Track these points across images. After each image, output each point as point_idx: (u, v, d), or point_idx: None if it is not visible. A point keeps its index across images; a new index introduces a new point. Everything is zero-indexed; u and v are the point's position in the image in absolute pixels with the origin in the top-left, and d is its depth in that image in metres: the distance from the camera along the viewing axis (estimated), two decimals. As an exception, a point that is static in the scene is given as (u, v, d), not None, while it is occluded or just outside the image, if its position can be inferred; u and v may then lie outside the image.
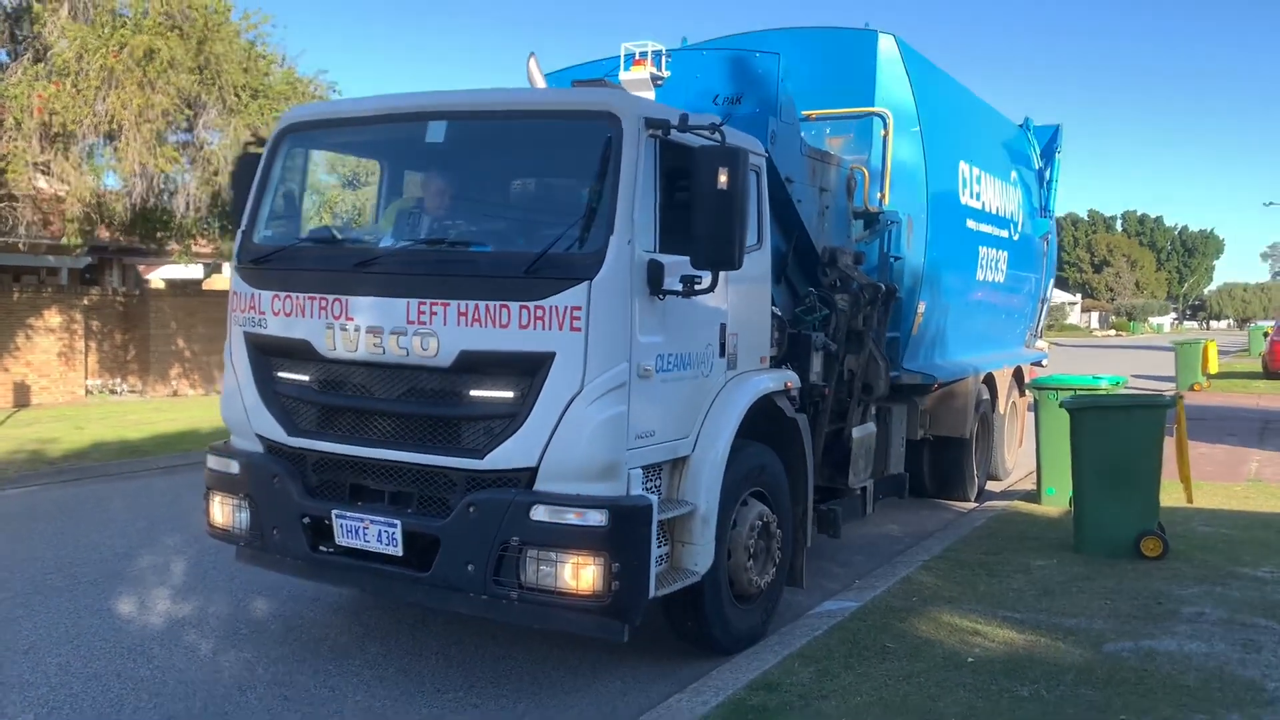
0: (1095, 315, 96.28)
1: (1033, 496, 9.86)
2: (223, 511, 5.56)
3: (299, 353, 5.22)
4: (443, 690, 5.06)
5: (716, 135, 4.80)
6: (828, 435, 7.08)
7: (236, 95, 11.55)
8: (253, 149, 5.94)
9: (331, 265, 5.30)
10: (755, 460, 5.69)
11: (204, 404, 17.31)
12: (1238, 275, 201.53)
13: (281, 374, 5.34)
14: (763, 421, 5.76)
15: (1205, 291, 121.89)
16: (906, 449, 8.74)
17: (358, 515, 5.00)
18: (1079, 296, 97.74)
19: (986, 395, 10.46)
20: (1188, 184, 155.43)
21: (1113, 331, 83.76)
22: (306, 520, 5.17)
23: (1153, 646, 5.38)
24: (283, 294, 5.26)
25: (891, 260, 8.04)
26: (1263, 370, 28.10)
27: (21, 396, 16.46)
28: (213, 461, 5.62)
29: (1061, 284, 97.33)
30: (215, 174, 11.94)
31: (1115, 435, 7.37)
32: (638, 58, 6.60)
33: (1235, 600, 6.25)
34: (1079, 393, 8.59)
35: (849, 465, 7.24)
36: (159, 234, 14.31)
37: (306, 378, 5.26)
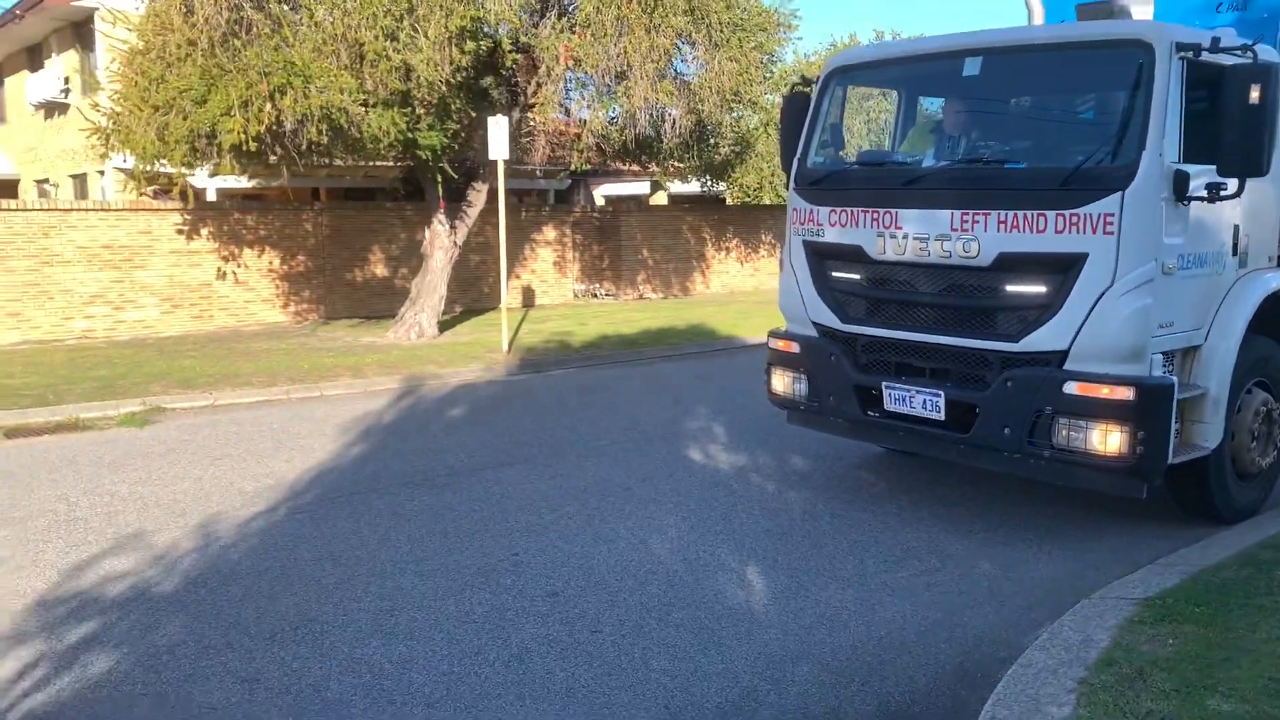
0: None
1: None
2: (783, 383, 7.04)
3: (851, 256, 6.48)
4: (973, 531, 6.22)
5: (1249, 54, 5.32)
6: (1329, 333, 7.24)
7: (720, 30, 13.13)
8: (799, 89, 7.22)
9: (880, 184, 6.48)
10: (1261, 352, 6.18)
11: (668, 306, 19.77)
12: None
13: (835, 274, 6.65)
14: (1269, 316, 6.21)
15: None
16: None
17: (905, 386, 6.22)
18: None
19: None
20: None
21: None
22: (857, 390, 6.50)
23: None
24: (838, 209, 6.52)
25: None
26: None
27: (528, 298, 19.85)
28: (774, 344, 7.10)
29: None
30: (700, 103, 13.67)
31: None
32: (1137, -26, 7.04)
33: None
34: None
35: (1349, 361, 7.35)
36: (643, 158, 16.55)
37: (857, 276, 6.52)
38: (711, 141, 16.24)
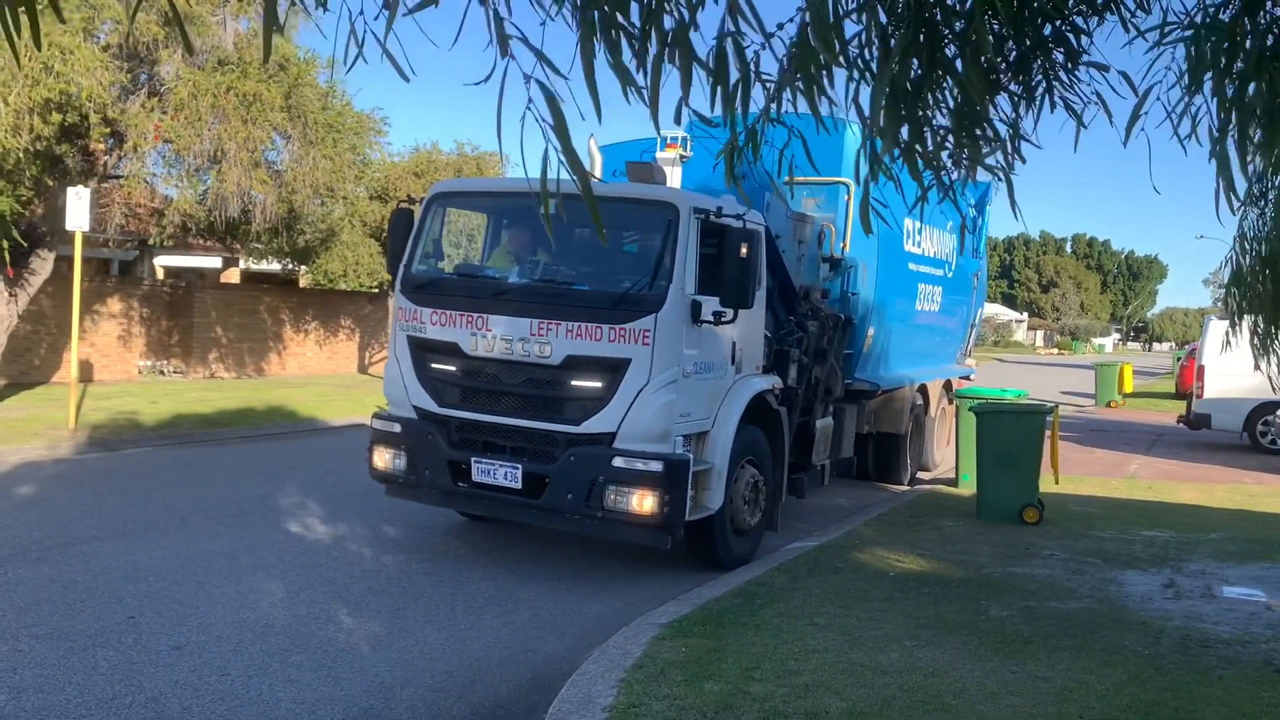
0: (1040, 334, 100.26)
1: (952, 482, 12.53)
2: (383, 459, 7.99)
3: (449, 350, 7.67)
4: (540, 580, 7.55)
5: (741, 221, 7.34)
6: (798, 425, 9.62)
7: (316, 130, 13.91)
8: (405, 206, 8.35)
9: (475, 293, 7.76)
10: (750, 437, 8.23)
11: (244, 386, 19.57)
12: (1180, 300, 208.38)
13: (434, 365, 7.79)
14: (756, 411, 8.30)
15: (1148, 315, 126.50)
16: (855, 440, 11.36)
17: (490, 461, 7.47)
18: (1026, 315, 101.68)
19: (920, 401, 13.13)
20: (1136, 211, 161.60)
21: (1055, 350, 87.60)
22: (450, 464, 7.63)
23: (1014, 570, 8.02)
24: (439, 310, 7.71)
25: (850, 295, 10.63)
26: (1175, 391, 31.00)
27: (85, 373, 18.57)
28: (378, 424, 8.04)
29: (1009, 302, 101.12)
30: (292, 193, 14.27)
31: (1006, 432, 10.04)
32: (670, 142, 9.13)
33: (1079, 549, 8.92)
34: (984, 401, 11.25)
35: (813, 447, 9.81)
36: (228, 239, 16.60)
37: (453, 368, 7.71)
38: (300, 228, 16.76)
